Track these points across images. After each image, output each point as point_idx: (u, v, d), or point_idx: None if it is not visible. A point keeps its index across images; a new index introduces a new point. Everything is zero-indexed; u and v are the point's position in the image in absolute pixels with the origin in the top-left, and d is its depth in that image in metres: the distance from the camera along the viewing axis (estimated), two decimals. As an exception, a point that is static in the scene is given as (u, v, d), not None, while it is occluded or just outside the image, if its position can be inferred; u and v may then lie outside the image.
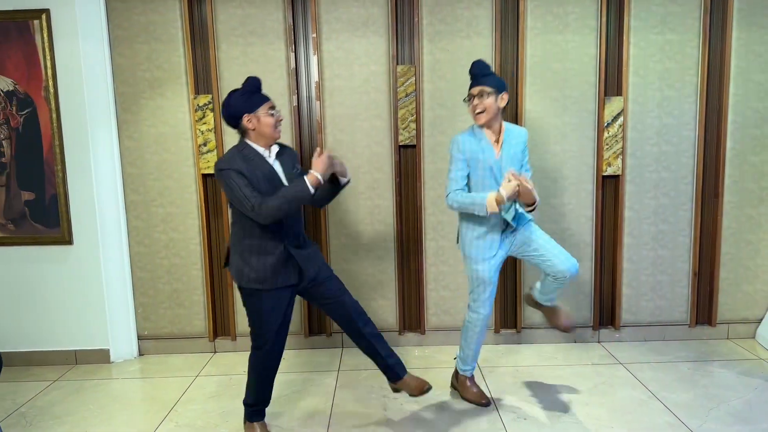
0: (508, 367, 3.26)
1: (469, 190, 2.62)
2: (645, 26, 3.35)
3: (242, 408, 2.84)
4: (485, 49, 3.36)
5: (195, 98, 3.35)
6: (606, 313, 3.61)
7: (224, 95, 3.36)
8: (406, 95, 3.36)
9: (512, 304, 3.58)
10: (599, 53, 3.36)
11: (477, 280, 2.67)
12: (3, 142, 3.29)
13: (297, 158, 2.53)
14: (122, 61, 3.35)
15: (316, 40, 3.34)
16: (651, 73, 3.38)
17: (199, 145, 3.38)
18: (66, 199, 3.31)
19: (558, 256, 2.58)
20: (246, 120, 2.32)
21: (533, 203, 2.49)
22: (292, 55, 3.35)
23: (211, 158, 3.38)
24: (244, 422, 2.59)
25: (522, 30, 3.33)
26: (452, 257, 3.53)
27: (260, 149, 2.36)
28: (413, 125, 3.39)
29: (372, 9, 3.34)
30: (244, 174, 2.26)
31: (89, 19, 3.24)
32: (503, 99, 2.55)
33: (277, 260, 2.34)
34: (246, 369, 3.32)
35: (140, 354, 3.59)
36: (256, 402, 2.55)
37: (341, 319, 2.56)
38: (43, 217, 3.33)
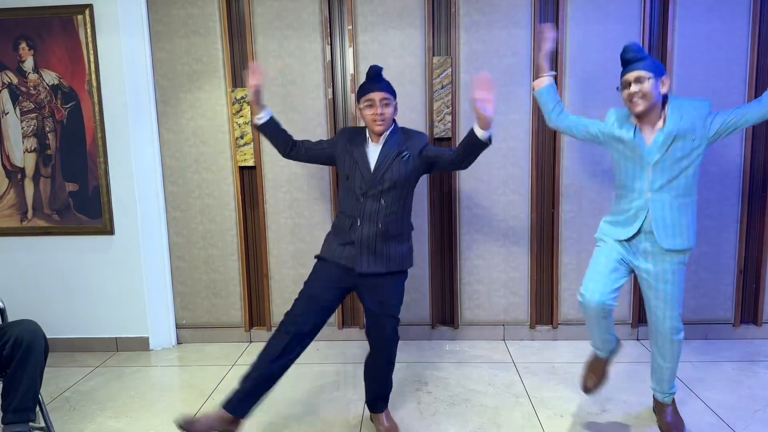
0: (544, 363, 3.22)
1: (616, 174, 2.39)
2: (691, 15, 3.24)
3: (278, 399, 2.88)
4: (524, 40, 3.30)
5: (232, 91, 3.38)
6: (645, 310, 3.51)
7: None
8: (442, 87, 3.33)
9: (548, 300, 3.52)
10: (642, 43, 3.26)
11: (596, 257, 2.38)
12: (48, 134, 3.38)
13: (419, 145, 2.39)
14: (162, 55, 3.41)
15: (352, 33, 3.34)
16: (697, 64, 3.27)
17: (236, 138, 3.42)
18: (108, 190, 3.40)
19: (661, 312, 2.32)
20: (357, 108, 2.47)
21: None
22: (328, 47, 3.35)
23: (248, 151, 3.42)
24: (221, 405, 2.37)
25: (562, 20, 3.26)
26: (487, 251, 3.49)
27: (368, 134, 2.44)
28: (449, 117, 3.35)
29: (408, 0, 3.31)
30: (337, 139, 2.49)
31: (130, 13, 3.30)
32: (665, 84, 2.24)
33: (345, 237, 2.38)
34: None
35: (178, 342, 3.66)
36: (243, 391, 2.35)
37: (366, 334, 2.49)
38: (86, 208, 3.42)
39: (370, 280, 2.37)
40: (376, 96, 2.34)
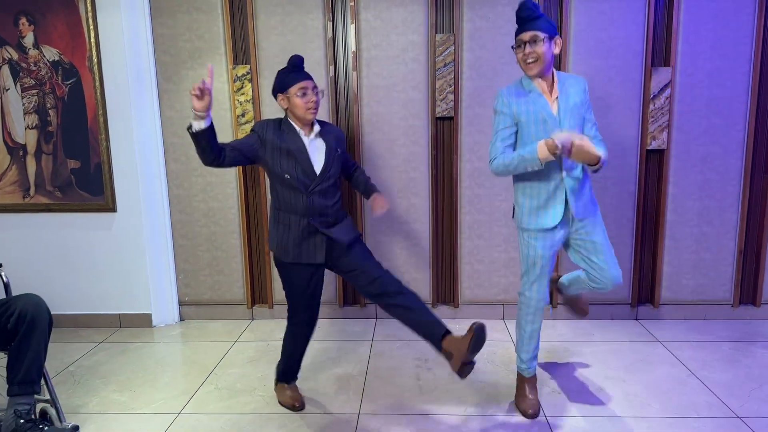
0: (543, 342, 3.24)
1: None
2: (695, 20, 3.20)
3: (279, 373, 2.92)
4: (527, 18, 3.26)
5: (234, 68, 3.36)
6: (645, 290, 3.54)
7: (262, 66, 3.39)
8: (445, 65, 3.30)
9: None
10: (647, 20, 3.22)
11: (531, 257, 2.38)
12: (49, 111, 3.38)
13: (342, 140, 2.48)
14: (163, 31, 3.39)
15: (354, 9, 3.30)
16: (702, 42, 3.24)
17: (238, 116, 3.41)
18: (110, 167, 3.40)
19: (609, 264, 2.37)
20: (279, 99, 2.34)
21: (597, 163, 2.15)
22: (330, 24, 3.32)
23: (249, 129, 3.40)
24: (275, 383, 2.68)
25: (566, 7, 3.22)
26: (487, 231, 3.50)
27: (296, 127, 2.34)
28: (451, 96, 3.34)
29: (411, -24, 3.28)
30: (261, 138, 2.30)
31: (131, -12, 3.27)
32: (557, 44, 2.24)
33: (300, 235, 2.33)
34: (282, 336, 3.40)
35: (181, 319, 3.70)
36: (286, 366, 2.62)
37: (367, 289, 2.37)
38: (88, 185, 3.43)
39: (341, 252, 2.40)
40: (309, 84, 2.31)
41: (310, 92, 2.30)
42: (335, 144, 2.42)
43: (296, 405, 2.57)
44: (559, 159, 2.25)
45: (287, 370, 2.63)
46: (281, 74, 2.34)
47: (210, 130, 2.11)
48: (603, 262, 2.38)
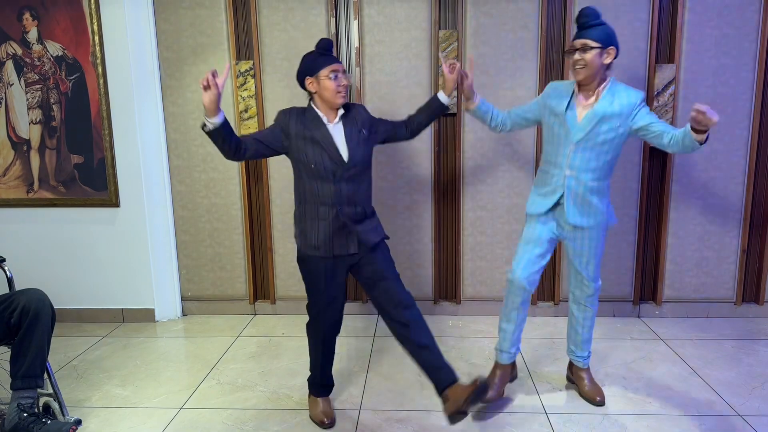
0: (544, 338, 3.25)
1: (544, 146, 2.47)
2: (700, 20, 3.18)
3: (280, 368, 2.93)
4: (532, 14, 3.25)
5: (236, 64, 3.37)
6: (647, 288, 3.54)
7: (265, 61, 3.39)
8: (448, 62, 3.29)
9: (550, 277, 3.54)
10: (651, 18, 3.21)
11: (525, 237, 2.47)
12: (53, 106, 3.39)
13: (368, 118, 2.35)
14: (166, 27, 3.39)
15: (357, 5, 3.30)
16: (706, 39, 3.22)
17: (240, 112, 3.41)
18: (113, 162, 3.41)
19: (589, 275, 2.46)
20: (308, 83, 2.24)
21: (704, 131, 2.03)
22: (333, 20, 3.31)
23: (252, 125, 3.41)
24: (308, 396, 2.55)
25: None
26: (490, 227, 3.50)
27: (320, 113, 2.26)
28: (454, 92, 3.31)
29: (414, -28, 3.27)
30: (284, 128, 2.24)
31: (134, -16, 3.28)
32: (609, 54, 2.23)
33: (329, 228, 2.24)
34: (284, 332, 3.41)
35: (183, 314, 3.71)
36: (314, 376, 2.49)
37: (382, 305, 2.31)
38: (92, 180, 3.44)
39: (366, 252, 2.31)
40: (340, 67, 2.24)
41: (341, 75, 2.23)
42: (360, 125, 2.31)
43: (325, 421, 2.41)
44: (568, 159, 2.32)
45: (315, 382, 2.49)
46: (309, 57, 2.26)
47: (223, 127, 2.09)
48: (581, 269, 2.47)
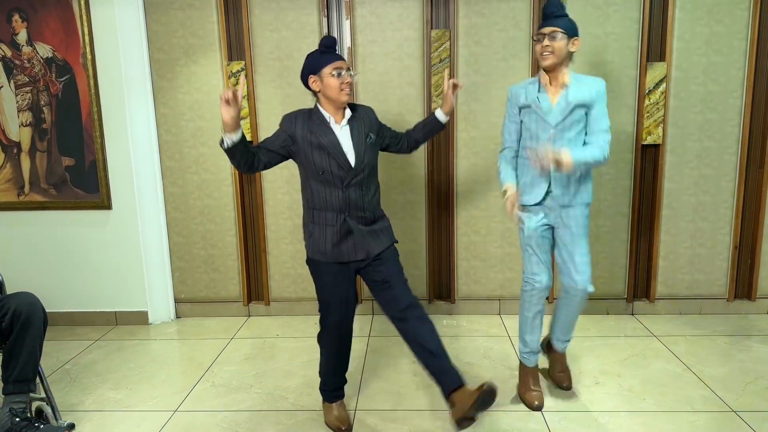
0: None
1: (524, 141, 2.46)
2: (690, 18, 3.20)
3: (275, 369, 2.92)
4: (524, 13, 3.26)
5: (228, 65, 3.35)
6: (641, 285, 3.55)
7: (256, 62, 3.38)
8: (440, 61, 3.30)
9: (544, 275, 3.54)
10: (642, 16, 3.22)
11: (524, 236, 2.48)
12: (43, 108, 3.36)
13: (375, 121, 2.34)
14: (157, 28, 3.37)
15: (349, 5, 3.29)
16: (697, 38, 3.24)
17: (233, 112, 3.39)
18: (105, 165, 3.39)
19: (581, 266, 2.41)
20: (311, 81, 2.20)
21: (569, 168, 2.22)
22: (325, 20, 3.31)
23: (244, 125, 3.40)
24: (323, 402, 2.49)
25: None
26: (484, 227, 3.50)
27: (327, 115, 2.21)
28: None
29: (406, -28, 3.27)
30: (290, 134, 2.20)
31: (124, -15, 3.26)
32: (575, 44, 2.32)
33: (337, 234, 2.20)
34: (279, 333, 3.40)
35: (177, 316, 3.69)
36: (326, 383, 2.44)
37: (382, 307, 2.30)
38: (83, 183, 3.42)
39: (373, 261, 2.28)
40: (343, 64, 2.19)
41: (345, 73, 2.18)
42: (368, 128, 2.28)
43: (342, 428, 2.37)
44: (551, 144, 2.35)
45: (326, 386, 2.44)
46: (312, 56, 2.22)
47: (241, 143, 2.07)
48: (575, 257, 2.43)
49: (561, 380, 2.66)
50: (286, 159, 2.26)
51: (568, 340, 2.67)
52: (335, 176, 2.18)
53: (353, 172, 2.19)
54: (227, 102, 1.97)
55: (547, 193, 2.42)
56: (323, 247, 2.22)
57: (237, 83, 3.34)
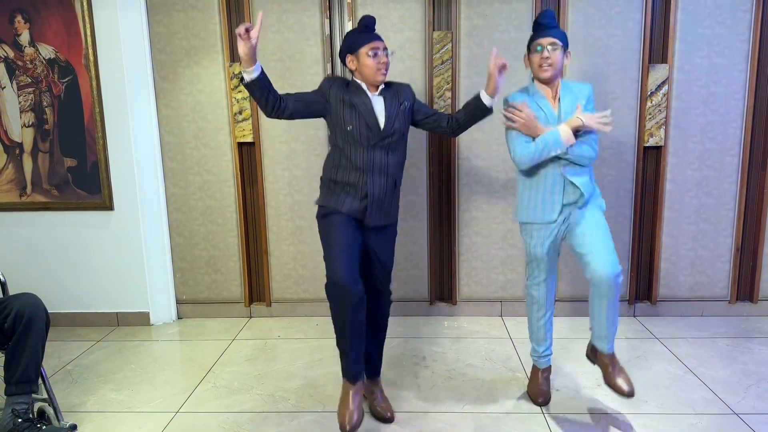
0: (540, 338, 3.25)
1: None
2: (692, 20, 3.20)
3: (277, 370, 2.92)
4: (525, 15, 3.26)
5: (230, 66, 3.35)
6: (642, 287, 3.55)
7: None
8: (442, 62, 3.30)
9: (546, 277, 3.54)
10: (644, 18, 3.22)
11: (530, 254, 2.46)
12: (46, 109, 3.37)
13: (411, 93, 2.38)
14: (160, 29, 3.38)
15: (351, 6, 3.30)
16: (699, 40, 3.24)
17: (235, 114, 3.40)
18: (107, 166, 3.39)
19: (600, 253, 2.24)
20: (349, 60, 2.29)
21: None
22: (327, 21, 3.31)
23: (246, 127, 3.40)
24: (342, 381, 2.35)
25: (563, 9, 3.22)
26: (485, 228, 3.50)
27: (364, 85, 2.30)
28: (449, 94, 3.33)
29: (408, -26, 3.27)
30: (325, 90, 2.27)
31: (127, -14, 3.26)
32: (568, 57, 2.35)
33: (358, 191, 2.26)
34: (281, 334, 3.41)
35: (178, 317, 3.69)
36: (341, 356, 2.29)
37: (361, 273, 2.29)
38: (85, 184, 3.42)
39: (373, 232, 2.35)
40: (380, 44, 2.26)
41: (381, 53, 2.24)
42: (403, 98, 2.34)
43: (346, 427, 2.19)
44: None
45: (344, 361, 2.28)
46: (351, 35, 2.29)
47: (261, 80, 2.12)
48: (596, 248, 2.26)
49: (620, 388, 2.31)
50: (316, 116, 2.32)
51: (610, 338, 2.34)
52: (362, 135, 2.24)
53: (381, 134, 2.25)
54: (240, 36, 2.01)
55: (561, 210, 2.35)
56: (342, 199, 2.27)
57: (238, 85, 3.34)
